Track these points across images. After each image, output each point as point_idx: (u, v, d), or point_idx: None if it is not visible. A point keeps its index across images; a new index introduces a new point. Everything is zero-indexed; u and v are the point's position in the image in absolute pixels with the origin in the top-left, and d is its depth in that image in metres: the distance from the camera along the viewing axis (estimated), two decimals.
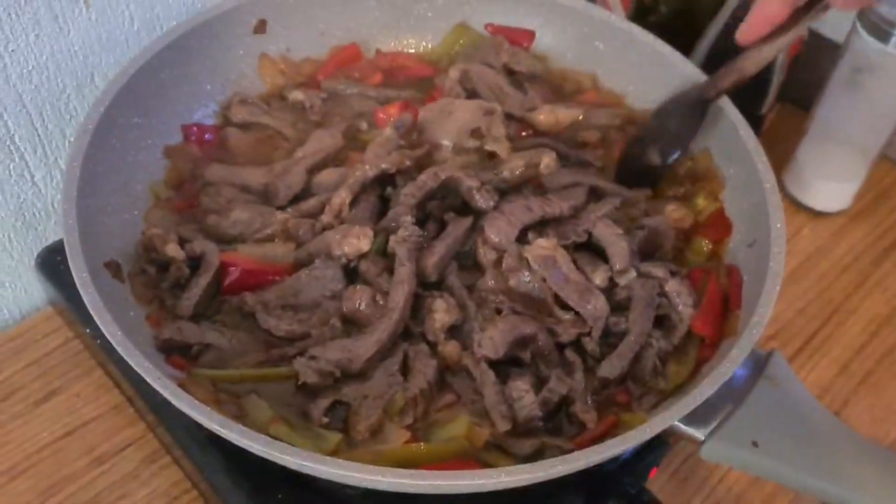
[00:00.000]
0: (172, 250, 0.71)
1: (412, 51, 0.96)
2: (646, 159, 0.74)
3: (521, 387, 0.65)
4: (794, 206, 1.06)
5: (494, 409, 0.65)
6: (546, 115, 0.88)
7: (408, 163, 0.77)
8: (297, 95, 0.88)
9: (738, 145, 0.80)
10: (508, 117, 0.87)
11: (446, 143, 0.83)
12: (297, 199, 0.78)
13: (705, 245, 0.80)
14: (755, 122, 1.02)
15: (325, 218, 0.75)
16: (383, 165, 0.76)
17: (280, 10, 0.89)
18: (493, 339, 0.67)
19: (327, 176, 0.79)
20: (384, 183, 0.78)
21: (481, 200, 0.74)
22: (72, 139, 0.82)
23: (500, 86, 0.90)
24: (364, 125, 0.87)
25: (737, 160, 0.80)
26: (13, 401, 0.82)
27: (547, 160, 0.79)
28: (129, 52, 0.84)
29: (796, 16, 0.65)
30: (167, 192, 0.80)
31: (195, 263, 0.72)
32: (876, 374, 0.92)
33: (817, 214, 1.06)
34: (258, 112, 0.86)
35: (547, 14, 0.93)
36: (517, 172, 0.78)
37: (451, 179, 0.75)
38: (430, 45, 0.96)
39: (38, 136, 0.83)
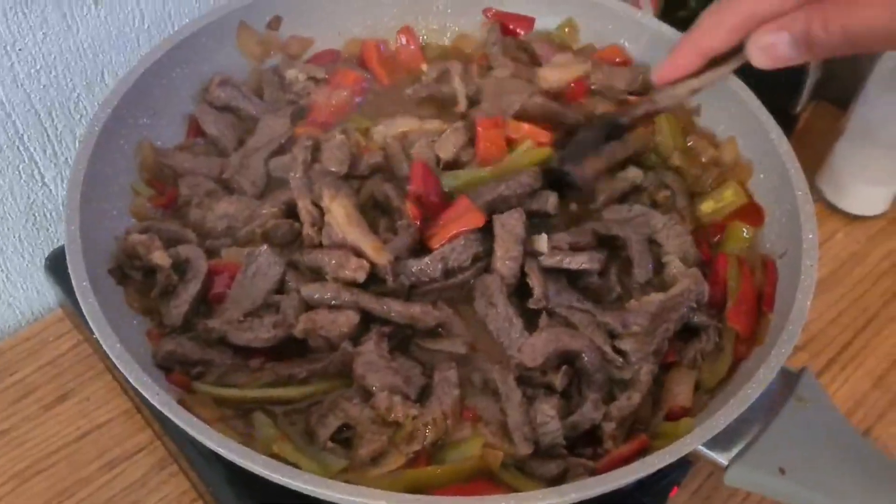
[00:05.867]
0: (159, 258, 0.68)
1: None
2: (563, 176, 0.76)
3: (547, 411, 0.62)
4: (828, 209, 1.02)
5: (518, 431, 0.62)
6: (550, 71, 0.86)
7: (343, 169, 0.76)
8: (292, 74, 0.84)
9: (770, 150, 0.76)
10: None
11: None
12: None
13: (745, 230, 0.76)
14: (788, 121, 0.98)
15: (306, 231, 0.72)
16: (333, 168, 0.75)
17: (296, 6, 0.87)
18: (533, 347, 0.65)
19: (282, 162, 0.77)
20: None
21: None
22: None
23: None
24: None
25: (768, 165, 0.77)
26: (28, 402, 0.82)
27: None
28: (140, 50, 0.83)
29: (711, 65, 0.69)
30: (147, 191, 0.76)
31: (181, 267, 0.69)
32: None
33: (853, 219, 1.02)
34: (237, 96, 0.82)
35: (573, 10, 0.90)
36: None
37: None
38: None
39: (48, 136, 0.82)
